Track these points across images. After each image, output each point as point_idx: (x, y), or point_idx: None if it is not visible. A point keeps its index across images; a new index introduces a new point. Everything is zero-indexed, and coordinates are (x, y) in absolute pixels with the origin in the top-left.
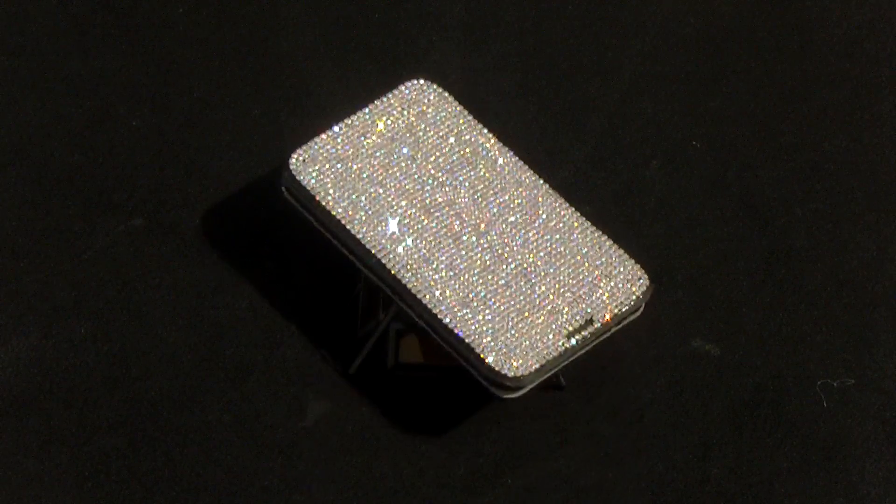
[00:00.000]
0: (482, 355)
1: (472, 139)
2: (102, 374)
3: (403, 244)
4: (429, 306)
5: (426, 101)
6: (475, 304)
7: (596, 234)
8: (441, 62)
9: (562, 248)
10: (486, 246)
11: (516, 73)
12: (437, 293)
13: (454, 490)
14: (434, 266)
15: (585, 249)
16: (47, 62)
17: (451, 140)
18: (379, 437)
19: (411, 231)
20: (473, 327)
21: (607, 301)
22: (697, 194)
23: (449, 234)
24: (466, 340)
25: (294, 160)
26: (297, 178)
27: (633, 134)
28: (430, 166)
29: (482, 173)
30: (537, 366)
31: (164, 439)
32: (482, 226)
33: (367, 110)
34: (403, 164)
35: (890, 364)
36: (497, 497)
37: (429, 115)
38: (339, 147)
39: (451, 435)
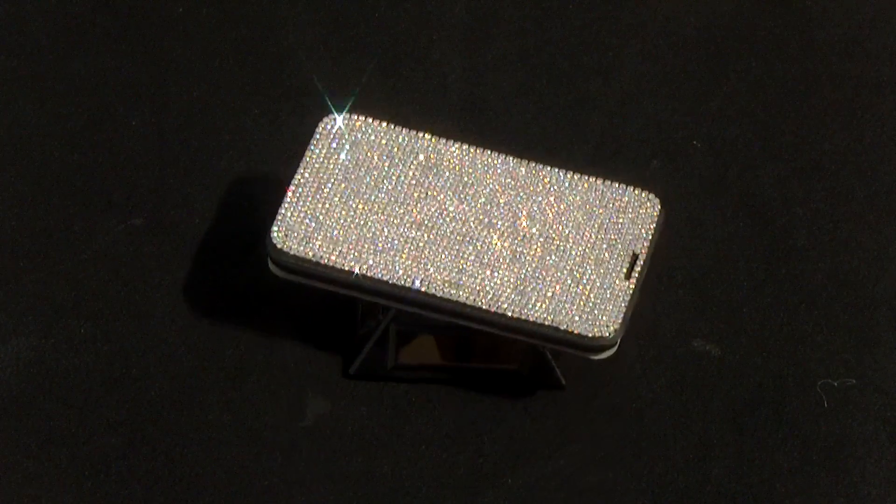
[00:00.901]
0: (570, 329)
1: (419, 145)
2: (102, 374)
3: (429, 265)
4: (490, 308)
5: (351, 132)
6: (526, 288)
7: (589, 181)
8: (441, 62)
9: (567, 206)
10: (500, 234)
11: (516, 73)
12: (490, 294)
13: (454, 490)
14: (468, 272)
15: (588, 198)
16: (47, 62)
17: (400, 155)
18: (379, 437)
19: (427, 251)
20: (542, 309)
21: (637, 231)
22: (697, 194)
23: (460, 237)
24: (547, 323)
25: (276, 236)
26: (288, 251)
27: (633, 134)
28: (398, 187)
29: (448, 173)
30: (621, 315)
31: (163, 439)
32: (484, 218)
33: (305, 166)
34: (374, 196)
35: (891, 364)
36: (497, 497)
37: (365, 143)
38: (307, 207)
39: (451, 435)
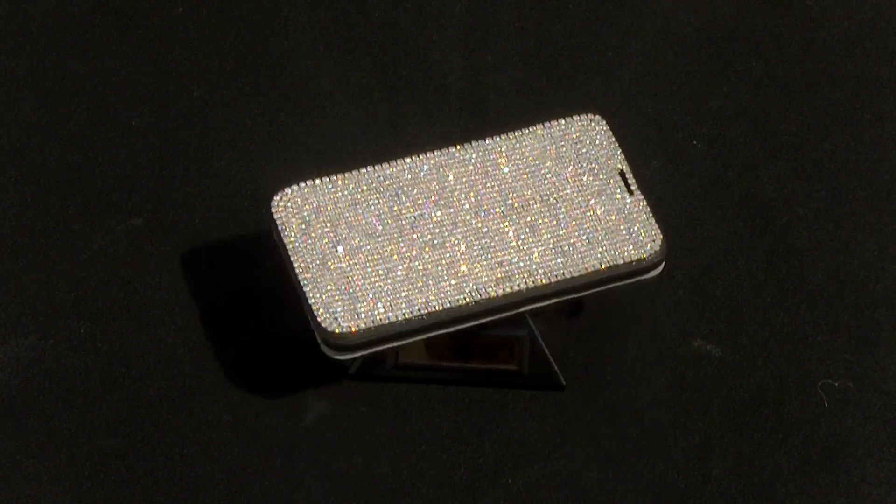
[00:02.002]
0: (625, 261)
1: (375, 177)
2: (102, 374)
3: (471, 274)
4: (550, 281)
5: (309, 198)
6: (562, 248)
7: (534, 131)
8: (441, 62)
9: (535, 163)
10: (503, 218)
11: (516, 73)
12: (538, 270)
13: (454, 490)
14: (507, 262)
15: (545, 145)
16: (47, 62)
17: (365, 197)
18: (379, 437)
19: (459, 263)
20: (590, 257)
21: (604, 151)
22: (698, 194)
23: (474, 237)
24: (603, 267)
25: (326, 323)
26: (348, 331)
27: (633, 134)
28: (384, 224)
29: (416, 189)
30: (655, 226)
31: (163, 439)
32: (478, 211)
33: (294, 252)
34: (372, 244)
35: (891, 364)
36: (497, 497)
37: (327, 202)
38: (329, 284)
39: (451, 435)
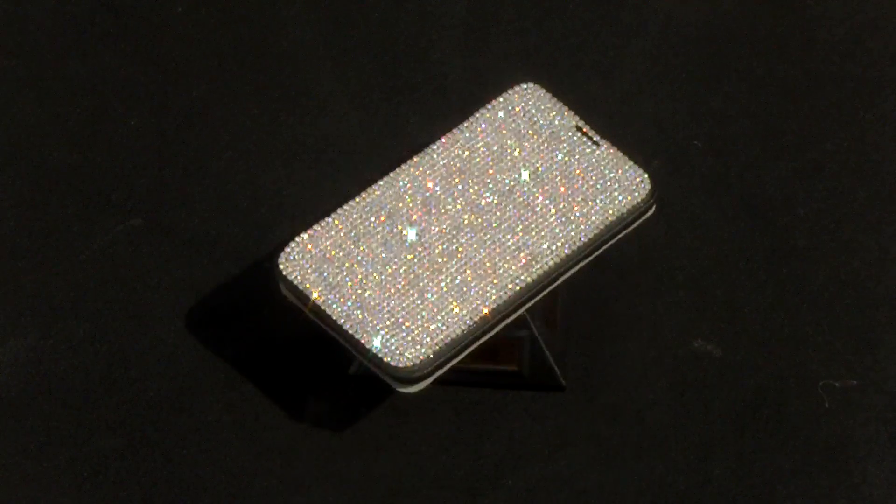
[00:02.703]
0: (631, 206)
1: (363, 208)
2: (101, 375)
3: (498, 270)
4: (573, 247)
5: (311, 250)
6: (570, 214)
7: (479, 115)
8: (441, 62)
9: (497, 145)
10: (497, 207)
11: (516, 73)
12: (559, 238)
13: (454, 491)
14: (524, 245)
15: (498, 126)
16: (47, 62)
17: (363, 230)
18: (379, 438)
19: (485, 263)
20: (599, 213)
21: (550, 111)
22: (698, 194)
23: (482, 236)
24: (613, 219)
25: (404, 360)
26: (426, 359)
27: (634, 134)
28: (390, 251)
29: (406, 208)
30: (640, 167)
31: (163, 440)
32: (473, 209)
33: (326, 305)
34: (387, 271)
35: (892, 365)
36: (497, 498)
37: (329, 246)
38: (377, 322)
39: (451, 435)
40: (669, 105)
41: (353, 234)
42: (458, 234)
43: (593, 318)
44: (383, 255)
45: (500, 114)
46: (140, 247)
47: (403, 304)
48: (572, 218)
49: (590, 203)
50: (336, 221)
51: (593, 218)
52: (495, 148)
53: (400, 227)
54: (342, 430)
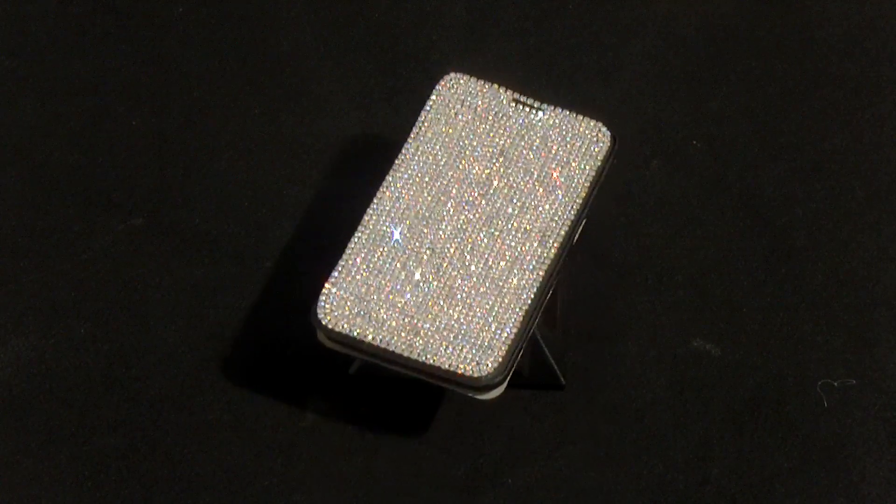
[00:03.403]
0: (606, 156)
1: (374, 226)
2: (102, 374)
3: (522, 255)
4: (570, 215)
5: (350, 302)
6: (553, 187)
7: (420, 120)
8: (441, 62)
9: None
10: (494, 195)
11: (516, 72)
12: (558, 215)
13: (454, 490)
14: (526, 226)
15: (441, 117)
16: (47, 62)
17: (383, 245)
18: (379, 437)
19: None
20: (579, 173)
21: (480, 88)
22: (697, 194)
23: (489, 223)
24: (593, 174)
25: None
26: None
27: (633, 134)
28: (412, 265)
29: (415, 204)
30: (598, 120)
31: (163, 439)
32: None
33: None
34: (422, 287)
35: (891, 364)
36: (497, 497)
37: (361, 270)
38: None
39: (451, 435)
40: (668, 105)
41: (370, 266)
42: (464, 234)
43: (593, 318)
44: (407, 276)
45: (441, 111)
46: (141, 246)
47: (454, 316)
48: (559, 184)
49: (567, 165)
50: (350, 260)
51: (577, 178)
52: (453, 145)
53: (409, 247)
54: (342, 430)
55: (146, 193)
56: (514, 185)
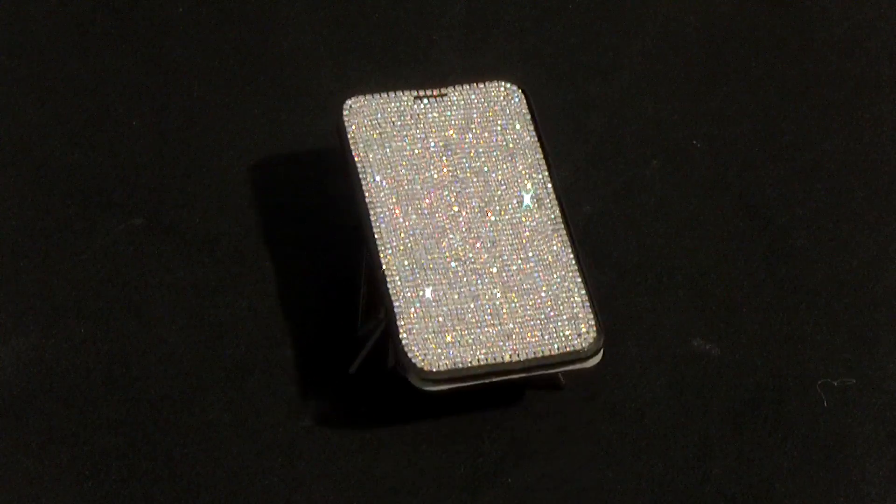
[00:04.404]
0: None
1: (396, 253)
2: (102, 374)
3: (538, 230)
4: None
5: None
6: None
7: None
8: (441, 62)
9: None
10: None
11: (516, 73)
12: (539, 174)
13: (454, 490)
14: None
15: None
16: (47, 62)
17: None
18: (379, 437)
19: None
20: (522, 138)
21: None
22: (697, 194)
23: (486, 208)
24: (530, 124)
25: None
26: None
27: (633, 134)
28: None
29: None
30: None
31: (164, 439)
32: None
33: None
34: (456, 286)
35: (890, 364)
36: (497, 497)
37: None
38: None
39: (451, 435)
40: (668, 105)
41: (423, 312)
42: (473, 235)
43: None
44: (460, 297)
45: (364, 135)
46: (141, 246)
47: (527, 307)
48: (518, 161)
49: (513, 138)
50: (405, 319)
51: (526, 146)
52: (399, 160)
53: (436, 266)
54: (342, 429)
55: (146, 193)
56: (477, 169)
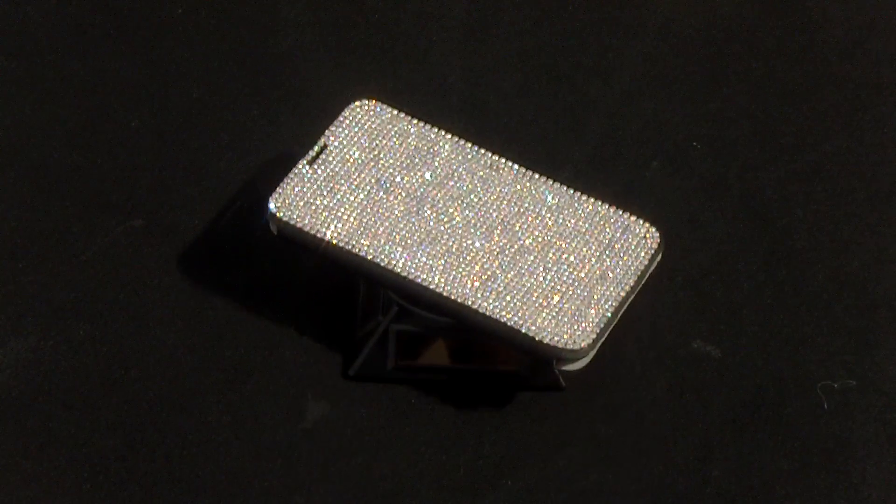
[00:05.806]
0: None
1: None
2: (101, 376)
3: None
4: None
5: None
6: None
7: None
8: (441, 62)
9: (566, 224)
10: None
11: (516, 73)
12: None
13: (454, 491)
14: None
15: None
16: (47, 62)
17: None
18: (379, 439)
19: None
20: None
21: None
22: (698, 195)
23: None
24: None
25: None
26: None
27: (633, 134)
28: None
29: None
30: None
31: (163, 441)
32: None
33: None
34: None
35: (891, 365)
36: (497, 498)
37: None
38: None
39: (451, 436)
40: (668, 106)
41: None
42: (477, 226)
43: None
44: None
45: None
46: (140, 247)
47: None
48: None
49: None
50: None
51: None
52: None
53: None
54: (342, 430)
55: (146, 194)
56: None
